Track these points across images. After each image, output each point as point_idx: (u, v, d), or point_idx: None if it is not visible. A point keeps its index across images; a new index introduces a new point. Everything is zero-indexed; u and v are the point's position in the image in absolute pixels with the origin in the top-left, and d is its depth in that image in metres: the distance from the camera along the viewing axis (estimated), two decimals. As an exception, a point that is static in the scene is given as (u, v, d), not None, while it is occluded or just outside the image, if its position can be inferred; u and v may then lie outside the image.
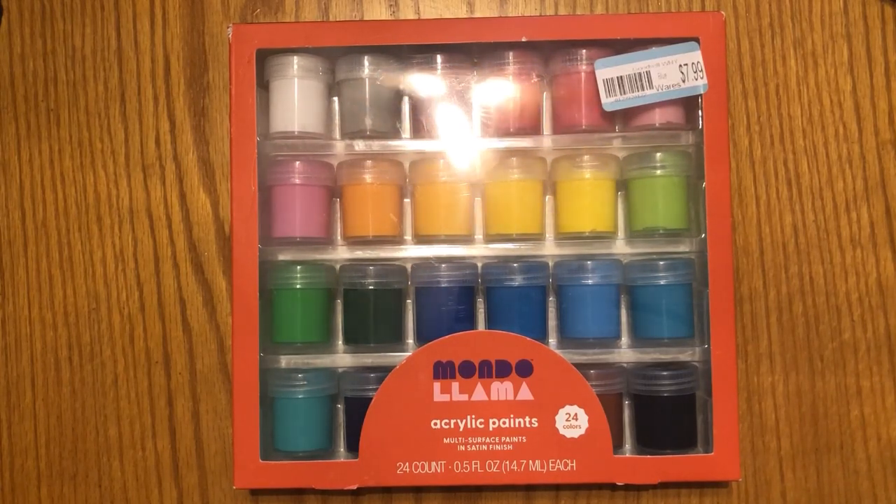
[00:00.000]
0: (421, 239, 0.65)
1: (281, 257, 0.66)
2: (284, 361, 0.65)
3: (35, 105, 0.69)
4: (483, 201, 0.66)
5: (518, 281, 0.64)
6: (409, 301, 0.66)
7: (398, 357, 0.63)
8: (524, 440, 0.62)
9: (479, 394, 0.62)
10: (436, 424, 0.62)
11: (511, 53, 0.65)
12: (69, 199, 0.68)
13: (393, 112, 0.66)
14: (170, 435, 0.67)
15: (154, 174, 0.68)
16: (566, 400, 0.62)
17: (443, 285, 0.64)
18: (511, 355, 0.62)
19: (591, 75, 0.64)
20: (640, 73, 0.63)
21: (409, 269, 0.66)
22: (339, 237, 0.67)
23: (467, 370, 0.62)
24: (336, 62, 0.66)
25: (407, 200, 0.67)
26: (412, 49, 0.65)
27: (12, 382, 0.68)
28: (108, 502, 0.67)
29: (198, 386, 0.67)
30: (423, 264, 0.65)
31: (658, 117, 0.64)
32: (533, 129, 0.66)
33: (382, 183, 0.65)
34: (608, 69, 0.63)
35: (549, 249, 0.66)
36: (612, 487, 0.66)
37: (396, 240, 0.66)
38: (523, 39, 0.63)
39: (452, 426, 0.62)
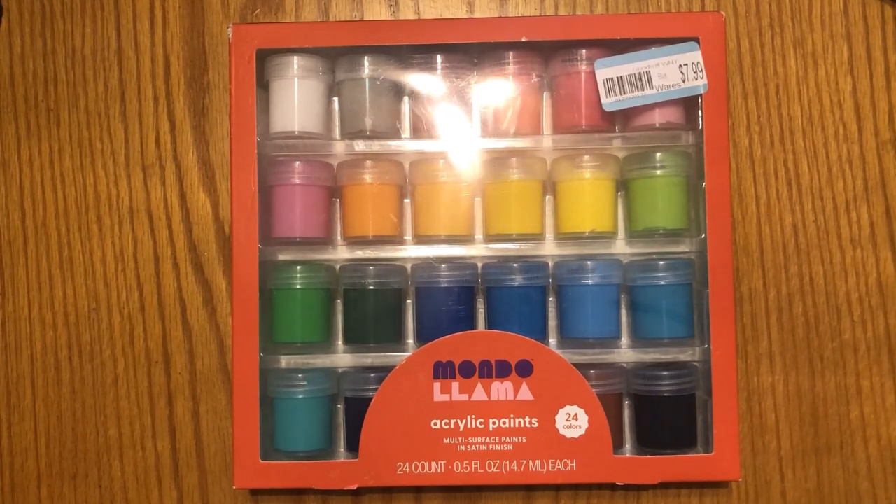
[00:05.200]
0: (421, 239, 0.65)
1: (281, 257, 0.66)
2: (284, 361, 0.65)
3: (35, 105, 0.69)
4: (483, 201, 0.66)
5: (518, 281, 0.64)
6: (409, 301, 0.66)
7: (398, 357, 0.63)
8: (524, 440, 0.62)
9: (479, 394, 0.62)
10: (436, 424, 0.62)
11: (511, 53, 0.65)
12: (69, 199, 0.68)
13: (393, 112, 0.66)
14: (170, 435, 0.67)
15: (154, 174, 0.68)
16: (566, 400, 0.62)
17: (443, 285, 0.64)
18: (511, 355, 0.62)
19: (591, 75, 0.64)
20: (640, 73, 0.63)
21: (409, 269, 0.66)
22: (339, 237, 0.67)
23: (467, 370, 0.62)
24: (336, 62, 0.66)
25: (407, 200, 0.67)
26: (412, 49, 0.65)
27: (12, 382, 0.68)
28: (108, 502, 0.67)
29: (198, 386, 0.67)
30: (423, 264, 0.65)
31: (658, 117, 0.64)
32: (533, 129, 0.66)
33: (382, 183, 0.65)
34: (608, 69, 0.63)
35: (549, 249, 0.66)
36: (612, 487, 0.66)
37: (396, 240, 0.66)
38: (523, 39, 0.63)
39: (452, 426, 0.62)
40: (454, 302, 0.64)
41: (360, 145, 0.66)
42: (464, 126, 0.65)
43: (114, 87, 0.69)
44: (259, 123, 0.63)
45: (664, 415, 0.63)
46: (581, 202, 0.65)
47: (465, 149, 0.65)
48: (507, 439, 0.62)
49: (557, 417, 0.62)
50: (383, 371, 0.63)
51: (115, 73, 0.69)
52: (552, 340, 0.65)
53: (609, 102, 0.63)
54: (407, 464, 0.62)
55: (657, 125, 0.64)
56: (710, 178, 0.63)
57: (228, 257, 0.67)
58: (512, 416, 0.62)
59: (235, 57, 0.63)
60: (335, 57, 0.65)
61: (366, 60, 0.65)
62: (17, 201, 0.68)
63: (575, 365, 0.62)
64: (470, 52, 0.65)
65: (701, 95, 0.63)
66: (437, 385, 0.62)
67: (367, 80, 0.65)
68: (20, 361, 0.68)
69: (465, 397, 0.62)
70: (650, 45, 0.63)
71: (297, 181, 0.64)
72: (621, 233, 0.66)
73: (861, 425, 0.66)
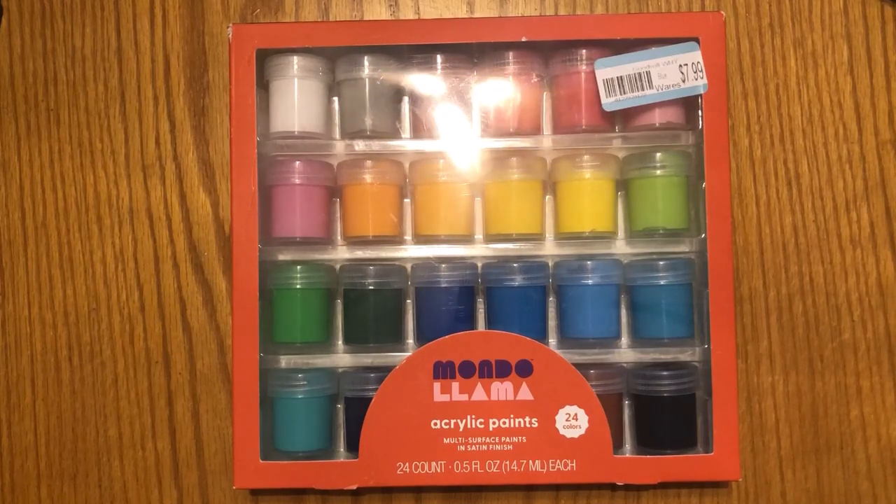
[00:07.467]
0: (421, 239, 0.65)
1: (281, 257, 0.66)
2: (284, 361, 0.65)
3: (35, 105, 0.69)
4: (483, 201, 0.66)
5: (518, 281, 0.64)
6: (409, 301, 0.66)
7: (398, 357, 0.63)
8: (524, 440, 0.62)
9: (479, 394, 0.62)
10: (436, 424, 0.62)
11: (511, 53, 0.65)
12: (69, 199, 0.68)
13: (393, 112, 0.66)
14: (170, 435, 0.67)
15: (154, 174, 0.68)
16: (566, 400, 0.62)
17: (443, 285, 0.64)
18: (511, 355, 0.62)
19: (591, 75, 0.64)
20: (640, 73, 0.63)
21: (409, 269, 0.66)
22: (339, 237, 0.67)
23: (467, 370, 0.62)
24: (336, 62, 0.66)
25: (407, 200, 0.67)
26: (412, 49, 0.65)
27: (12, 382, 0.68)
28: (108, 502, 0.67)
29: (198, 386, 0.67)
30: (423, 264, 0.65)
31: (658, 117, 0.64)
32: (533, 129, 0.66)
33: (382, 183, 0.65)
34: (608, 69, 0.63)
35: (549, 249, 0.66)
36: (612, 487, 0.66)
37: (396, 240, 0.66)
38: (523, 39, 0.63)
39: (452, 426, 0.62)
40: (454, 302, 0.64)
41: (360, 145, 0.66)
42: (464, 126, 0.65)
43: (114, 87, 0.69)
44: (259, 123, 0.63)
45: (664, 415, 0.63)
46: (581, 202, 0.65)
47: (465, 149, 0.65)
48: (507, 439, 0.62)
49: (557, 417, 0.62)
50: (383, 371, 0.63)
51: (115, 73, 0.69)
52: (552, 340, 0.65)
53: (609, 102, 0.63)
54: (407, 464, 0.62)
55: (657, 125, 0.64)
56: (710, 178, 0.63)
57: (228, 257, 0.67)
58: (512, 416, 0.62)
59: (235, 57, 0.63)
60: (335, 57, 0.65)
61: (366, 60, 0.65)
62: (17, 201, 0.68)
63: (575, 365, 0.62)
64: (470, 52, 0.65)
65: (701, 95, 0.63)
66: (437, 385, 0.62)
67: (367, 80, 0.65)
68: (20, 361, 0.68)
69: (465, 397, 0.62)
70: (650, 45, 0.63)
71: (297, 181, 0.64)
72: (621, 233, 0.66)
73: (861, 425, 0.66)
